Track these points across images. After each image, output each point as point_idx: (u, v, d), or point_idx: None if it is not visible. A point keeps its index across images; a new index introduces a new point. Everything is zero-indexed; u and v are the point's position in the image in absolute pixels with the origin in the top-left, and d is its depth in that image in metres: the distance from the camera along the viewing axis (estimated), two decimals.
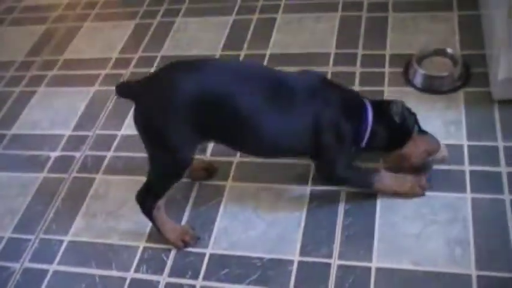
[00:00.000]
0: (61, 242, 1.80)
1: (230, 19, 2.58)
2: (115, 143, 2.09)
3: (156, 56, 2.46)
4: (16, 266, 1.76)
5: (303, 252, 1.63)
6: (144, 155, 1.97)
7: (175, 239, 1.70)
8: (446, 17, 2.32)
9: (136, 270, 1.68)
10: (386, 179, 1.68)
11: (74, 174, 2.02)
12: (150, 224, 1.76)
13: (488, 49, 2.05)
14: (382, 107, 1.64)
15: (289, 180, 1.82)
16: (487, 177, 1.71)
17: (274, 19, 2.51)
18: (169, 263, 1.68)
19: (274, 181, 1.83)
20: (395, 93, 2.01)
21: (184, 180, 1.72)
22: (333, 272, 1.57)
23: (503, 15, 1.71)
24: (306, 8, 2.53)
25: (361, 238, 1.63)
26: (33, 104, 2.38)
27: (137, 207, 1.79)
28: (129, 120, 2.17)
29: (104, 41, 2.64)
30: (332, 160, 1.63)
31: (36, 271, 1.74)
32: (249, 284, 1.59)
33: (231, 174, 1.88)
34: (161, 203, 1.66)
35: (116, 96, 2.28)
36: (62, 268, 1.73)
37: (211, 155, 1.95)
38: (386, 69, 2.14)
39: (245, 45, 2.40)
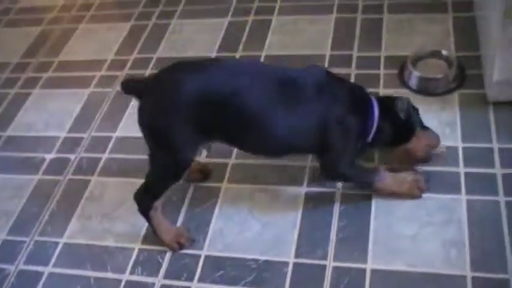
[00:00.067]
0: (56, 244, 1.80)
1: (225, 21, 2.58)
2: (110, 145, 2.09)
3: (152, 58, 2.46)
4: (11, 268, 1.76)
5: (298, 254, 1.63)
6: (139, 156, 1.99)
7: (170, 240, 1.69)
8: (441, 18, 2.33)
9: (131, 272, 1.68)
10: (385, 179, 1.68)
11: (69, 176, 2.01)
12: (145, 226, 1.76)
13: (483, 51, 2.06)
14: (387, 103, 1.65)
15: (285, 181, 1.83)
16: (482, 178, 1.72)
17: (270, 21, 2.51)
18: (164, 265, 1.67)
19: (269, 182, 1.83)
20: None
21: (179, 181, 1.71)
22: (328, 273, 1.57)
23: (498, 17, 1.72)
24: (301, 10, 2.54)
25: (356, 240, 1.63)
26: (28, 105, 2.37)
27: (132, 209, 1.79)
28: (124, 122, 2.17)
29: (99, 42, 2.63)
30: (338, 157, 1.63)
31: (31, 273, 1.73)
32: (244, 285, 1.58)
33: (226, 176, 1.88)
34: (158, 203, 1.66)
35: (112, 97, 2.29)
36: (57, 270, 1.73)
37: (207, 156, 1.95)
38: (382, 71, 2.14)
39: (240, 47, 2.40)
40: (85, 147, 2.11)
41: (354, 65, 2.19)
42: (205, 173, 1.88)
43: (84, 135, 2.16)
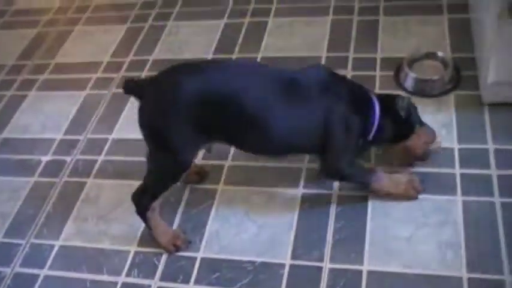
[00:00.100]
0: (52, 246, 1.79)
1: (221, 23, 2.58)
2: (106, 147, 2.08)
3: (148, 60, 2.46)
4: (7, 270, 1.75)
5: (294, 256, 1.63)
6: (135, 158, 1.99)
7: (166, 243, 1.69)
8: (437, 20, 2.33)
9: (127, 275, 1.67)
10: (382, 180, 1.69)
11: (65, 178, 2.01)
12: (141, 228, 1.76)
13: (477, 53, 2.06)
14: (388, 102, 1.65)
15: (281, 183, 1.83)
16: (477, 180, 1.72)
17: (266, 23, 2.51)
18: (160, 267, 1.67)
19: (265, 184, 1.83)
20: None
21: (177, 183, 1.72)
22: (324, 275, 1.57)
23: (492, 19, 1.72)
24: (297, 12, 2.54)
25: (352, 241, 1.64)
26: (24, 108, 2.37)
27: (128, 211, 1.79)
28: (120, 124, 2.17)
29: (95, 44, 2.63)
30: (338, 156, 1.63)
31: (27, 276, 1.73)
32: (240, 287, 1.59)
33: (223, 178, 1.88)
34: (156, 204, 1.66)
35: (108, 99, 2.29)
36: (53, 273, 1.73)
37: (203, 158, 1.94)
38: (377, 73, 2.14)
39: (236, 49, 2.40)
40: (81, 149, 2.10)
41: (350, 66, 2.19)
42: (201, 175, 1.88)
43: (80, 137, 2.15)
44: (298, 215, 1.73)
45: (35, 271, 1.74)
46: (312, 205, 1.75)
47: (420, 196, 1.70)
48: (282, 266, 1.61)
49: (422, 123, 1.72)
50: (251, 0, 2.67)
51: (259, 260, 1.64)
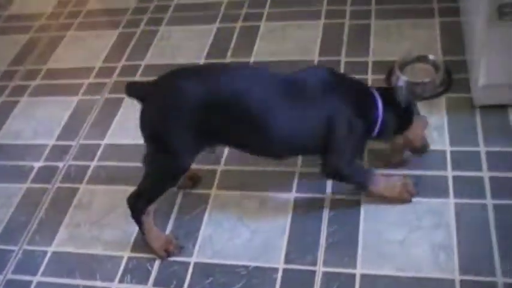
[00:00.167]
0: (45, 252, 1.79)
1: (214, 27, 2.58)
2: (99, 153, 2.08)
3: (140, 65, 2.46)
4: None
5: (287, 260, 1.63)
6: (128, 164, 1.99)
7: (159, 248, 1.69)
8: (428, 23, 2.34)
9: (120, 281, 1.67)
10: (379, 183, 1.69)
11: (58, 184, 2.00)
12: (134, 233, 1.76)
13: (468, 56, 2.07)
14: (388, 94, 1.66)
15: (274, 187, 1.83)
16: (469, 182, 1.73)
17: (258, 27, 2.52)
18: (153, 272, 1.67)
19: (258, 189, 1.83)
20: None
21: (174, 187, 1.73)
22: (318, 279, 1.57)
23: (482, 21, 1.73)
24: (289, 16, 2.55)
25: (345, 245, 1.64)
26: (16, 113, 2.36)
27: (121, 217, 1.80)
28: (113, 129, 2.17)
29: (87, 50, 2.63)
30: (340, 155, 1.63)
31: (19, 283, 1.72)
32: None
33: (215, 183, 1.88)
34: (151, 208, 1.66)
35: (100, 105, 2.29)
36: (46, 279, 1.72)
37: (196, 163, 1.94)
38: (369, 76, 2.15)
39: (229, 53, 2.40)
40: (73, 155, 2.10)
41: (342, 70, 2.20)
42: (194, 180, 1.88)
43: (73, 143, 2.15)
44: (291, 219, 1.73)
45: (28, 278, 1.73)
46: (304, 209, 1.75)
47: (413, 199, 1.70)
48: (276, 270, 1.61)
49: (418, 112, 1.74)
50: (243, 5, 2.68)
51: (252, 264, 1.64)
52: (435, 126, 1.90)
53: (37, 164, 2.10)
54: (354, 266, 1.58)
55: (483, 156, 1.79)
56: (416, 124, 1.70)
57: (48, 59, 2.63)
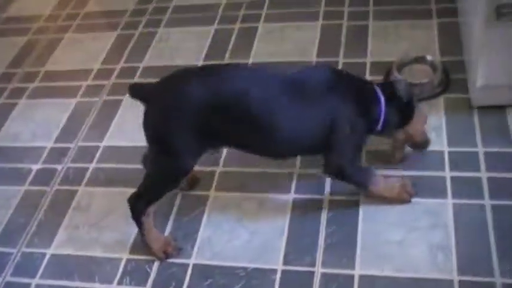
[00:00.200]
0: (43, 255, 1.79)
1: (212, 29, 2.58)
2: (97, 155, 2.08)
3: (138, 67, 2.46)
4: None
5: (286, 261, 1.63)
6: (126, 166, 1.99)
7: (158, 249, 1.69)
8: (426, 24, 2.35)
9: (119, 283, 1.67)
10: (379, 183, 1.69)
11: (56, 186, 2.00)
12: (133, 235, 1.76)
13: (466, 56, 2.08)
14: (389, 89, 1.66)
15: (272, 189, 1.83)
16: (467, 182, 1.73)
17: (256, 28, 2.52)
18: (152, 274, 1.67)
19: (257, 190, 1.83)
20: None
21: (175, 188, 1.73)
22: (317, 280, 1.57)
23: (479, 22, 1.73)
24: (287, 17, 2.55)
25: (344, 246, 1.64)
26: (15, 116, 2.36)
27: (120, 219, 1.80)
28: (111, 131, 2.17)
29: (85, 52, 2.63)
30: (343, 154, 1.63)
31: (18, 285, 1.72)
32: None
33: (214, 184, 1.88)
34: (151, 209, 1.65)
35: (99, 107, 2.29)
36: (45, 282, 1.72)
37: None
38: (367, 77, 2.15)
39: (227, 55, 2.41)
40: (72, 157, 2.10)
41: None
42: (193, 182, 1.88)
43: (71, 145, 2.15)
44: (289, 220, 1.73)
45: (26, 280, 1.73)
46: (303, 210, 1.75)
47: (412, 199, 1.70)
48: (274, 271, 1.61)
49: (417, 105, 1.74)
50: (241, 6, 2.68)
51: (251, 266, 1.64)
52: (433, 127, 1.90)
53: (35, 166, 2.10)
54: (353, 267, 1.58)
55: (481, 157, 1.79)
56: (416, 119, 1.71)
57: (47, 61, 2.63)
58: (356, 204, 1.73)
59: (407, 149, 1.81)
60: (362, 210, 1.71)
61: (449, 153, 1.82)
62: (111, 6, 2.92)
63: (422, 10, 2.42)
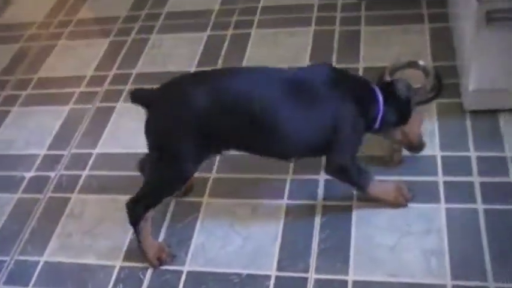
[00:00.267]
0: (37, 263, 1.78)
1: (205, 35, 2.59)
2: (90, 162, 2.08)
3: (131, 73, 2.46)
4: None
5: (280, 267, 1.63)
6: (119, 173, 1.99)
7: (152, 256, 1.69)
8: (418, 29, 2.36)
9: None
10: (376, 186, 1.69)
11: (49, 194, 2.00)
12: (126, 242, 1.76)
13: (458, 61, 2.08)
14: (388, 88, 1.68)
15: (265, 194, 1.83)
16: (460, 187, 1.73)
17: (249, 34, 2.52)
18: (146, 281, 1.66)
19: (250, 196, 1.83)
20: None
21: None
22: (310, 286, 1.57)
23: (470, 27, 1.74)
24: (280, 23, 2.55)
25: (337, 251, 1.64)
26: (8, 123, 2.35)
27: (113, 226, 1.80)
28: (104, 138, 2.17)
29: (78, 59, 2.63)
30: (345, 152, 1.63)
31: None
32: None
33: (207, 191, 1.88)
34: (150, 214, 1.65)
35: (92, 114, 2.29)
36: None
37: None
38: None
39: (220, 61, 2.41)
40: (65, 165, 2.09)
41: None
42: (187, 188, 1.87)
43: (64, 153, 2.15)
44: (283, 226, 1.73)
45: None
46: (296, 216, 1.75)
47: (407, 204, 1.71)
48: (268, 277, 1.61)
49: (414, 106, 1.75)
50: (234, 13, 2.68)
51: (245, 272, 1.63)
52: (426, 132, 1.90)
53: (29, 174, 2.09)
54: (346, 273, 1.58)
55: (473, 161, 1.79)
56: (413, 119, 1.72)
57: (39, 68, 2.63)
58: (349, 209, 1.73)
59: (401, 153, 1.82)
60: (355, 215, 1.72)
61: (442, 157, 1.83)
62: (103, 13, 2.93)
63: (414, 15, 2.43)
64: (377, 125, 1.67)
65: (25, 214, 1.94)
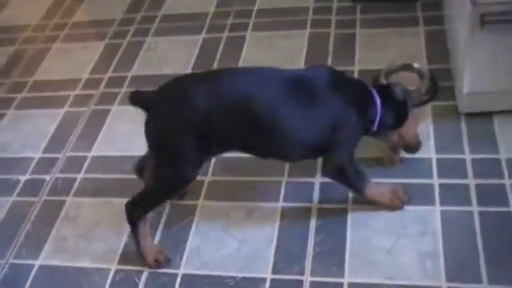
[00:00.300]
0: (32, 266, 1.77)
1: (200, 38, 2.59)
2: (85, 165, 2.07)
3: (127, 76, 2.45)
4: None
5: (275, 270, 1.62)
6: (114, 176, 1.99)
7: (151, 258, 1.68)
8: (413, 32, 2.36)
9: None
10: (373, 189, 1.70)
11: (44, 197, 1.99)
12: (121, 245, 1.76)
13: (453, 63, 2.09)
14: (385, 91, 1.68)
15: (261, 197, 1.83)
16: (455, 189, 1.73)
17: (244, 37, 2.53)
18: (141, 285, 1.66)
19: (245, 199, 1.83)
20: None
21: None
22: None
23: (465, 29, 1.75)
24: (275, 26, 2.56)
25: (333, 253, 1.64)
26: (3, 126, 2.35)
27: (109, 229, 1.80)
28: (100, 141, 2.16)
29: (73, 61, 2.63)
30: (345, 153, 1.63)
31: None
32: None
33: (203, 193, 1.88)
34: (149, 216, 1.65)
35: (87, 117, 2.28)
36: None
37: None
38: None
39: (215, 64, 2.41)
40: (60, 168, 2.09)
41: None
42: (185, 191, 1.87)
43: (59, 156, 2.14)
44: (278, 228, 1.73)
45: None
46: (292, 219, 1.75)
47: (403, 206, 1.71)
48: (263, 280, 1.61)
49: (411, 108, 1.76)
50: (229, 15, 2.69)
51: (240, 275, 1.63)
52: (421, 134, 1.90)
53: (24, 177, 2.09)
54: (342, 275, 1.58)
55: (468, 164, 1.80)
56: (410, 121, 1.72)
57: (35, 71, 2.62)
58: (345, 212, 1.73)
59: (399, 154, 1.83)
60: (351, 218, 1.72)
61: (437, 160, 1.83)
62: (99, 16, 2.92)
63: (409, 18, 2.44)
64: (375, 127, 1.67)
65: (20, 217, 1.93)
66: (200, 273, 1.66)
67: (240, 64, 2.37)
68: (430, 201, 1.71)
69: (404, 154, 1.83)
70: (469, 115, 1.94)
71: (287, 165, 1.90)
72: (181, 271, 1.67)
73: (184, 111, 1.52)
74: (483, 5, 1.67)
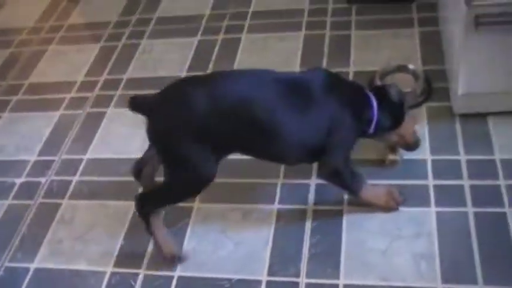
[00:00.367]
0: (27, 269, 1.77)
1: (195, 40, 2.59)
2: (81, 167, 2.07)
3: (122, 79, 2.45)
4: None
5: (271, 272, 1.62)
6: (110, 178, 1.99)
7: (166, 250, 1.67)
8: (408, 33, 2.37)
9: None
10: (368, 190, 1.70)
11: (40, 200, 1.99)
12: (117, 248, 1.76)
13: (448, 64, 2.09)
14: (380, 94, 1.69)
15: (256, 199, 1.83)
16: (450, 190, 1.74)
17: (239, 39, 2.53)
18: (137, 287, 1.66)
19: (241, 201, 1.83)
20: None
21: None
22: None
23: (459, 31, 1.75)
24: (270, 28, 2.56)
25: (328, 255, 1.64)
26: None
27: (104, 232, 1.79)
28: (95, 144, 2.16)
29: (68, 64, 2.62)
30: (340, 155, 1.64)
31: None
32: None
33: (198, 196, 1.87)
34: (161, 209, 1.65)
35: (82, 119, 2.28)
36: None
37: None
38: None
39: (210, 66, 2.41)
40: (55, 170, 2.09)
41: None
42: None
43: (55, 158, 2.14)
44: (274, 230, 1.73)
45: None
46: (287, 221, 1.75)
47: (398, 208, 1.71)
48: (259, 282, 1.61)
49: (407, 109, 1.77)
50: (224, 17, 2.69)
51: (236, 277, 1.63)
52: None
53: (19, 180, 2.08)
54: (337, 277, 1.58)
55: (463, 165, 1.80)
56: (407, 120, 1.73)
57: (30, 73, 2.62)
58: (340, 214, 1.73)
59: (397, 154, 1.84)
60: (346, 220, 1.72)
61: (432, 161, 1.83)
62: (94, 18, 2.92)
63: (404, 19, 2.44)
64: (371, 129, 1.67)
65: (15, 220, 1.93)
66: (196, 276, 1.66)
67: (235, 66, 2.37)
68: (425, 203, 1.72)
69: (404, 153, 1.83)
70: (464, 116, 1.94)
71: (283, 167, 1.90)
72: (177, 273, 1.67)
73: (185, 113, 1.52)
74: (478, 7, 1.68)
